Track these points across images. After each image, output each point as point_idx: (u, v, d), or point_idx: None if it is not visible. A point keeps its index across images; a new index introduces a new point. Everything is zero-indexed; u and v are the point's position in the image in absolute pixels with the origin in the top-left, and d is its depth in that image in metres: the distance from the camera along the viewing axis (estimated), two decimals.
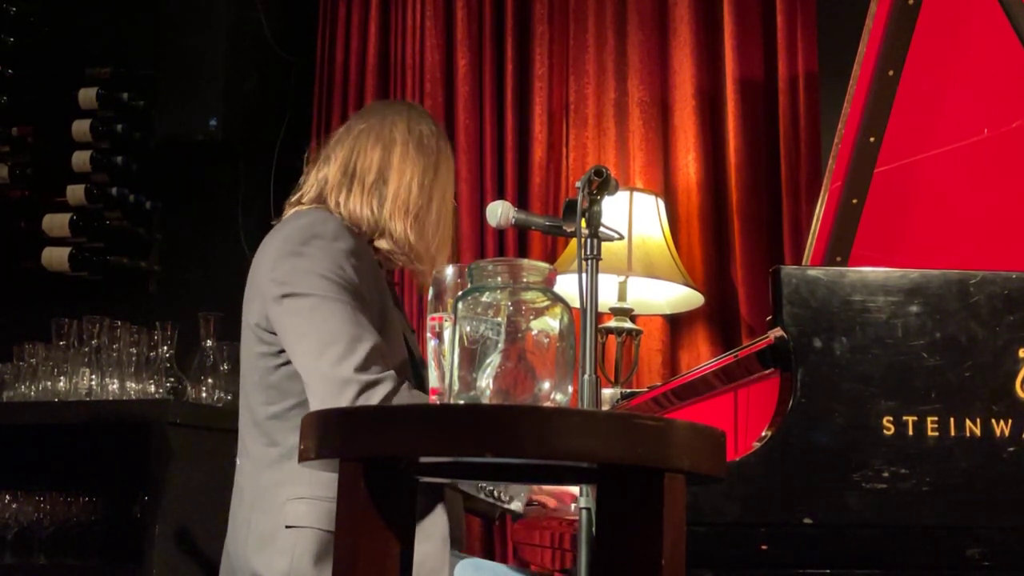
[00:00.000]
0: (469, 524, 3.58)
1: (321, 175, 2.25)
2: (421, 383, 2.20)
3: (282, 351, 2.10)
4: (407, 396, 2.04)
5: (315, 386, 2.02)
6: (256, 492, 2.11)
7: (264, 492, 2.09)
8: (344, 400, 1.97)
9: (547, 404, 1.40)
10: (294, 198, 2.28)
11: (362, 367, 2.00)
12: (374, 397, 1.99)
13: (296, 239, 2.10)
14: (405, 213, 2.20)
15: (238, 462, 2.20)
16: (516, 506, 2.14)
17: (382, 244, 2.22)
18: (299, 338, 2.05)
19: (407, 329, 2.31)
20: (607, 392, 3.08)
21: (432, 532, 2.11)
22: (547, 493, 2.32)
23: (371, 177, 2.21)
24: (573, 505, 2.25)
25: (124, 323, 3.58)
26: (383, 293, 2.17)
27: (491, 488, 2.15)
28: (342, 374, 1.98)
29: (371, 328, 2.06)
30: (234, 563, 2.13)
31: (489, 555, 3.53)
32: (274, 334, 2.10)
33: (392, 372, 2.03)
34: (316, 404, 2.00)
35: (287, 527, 2.05)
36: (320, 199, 2.23)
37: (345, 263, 2.07)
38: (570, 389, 1.44)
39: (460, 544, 2.27)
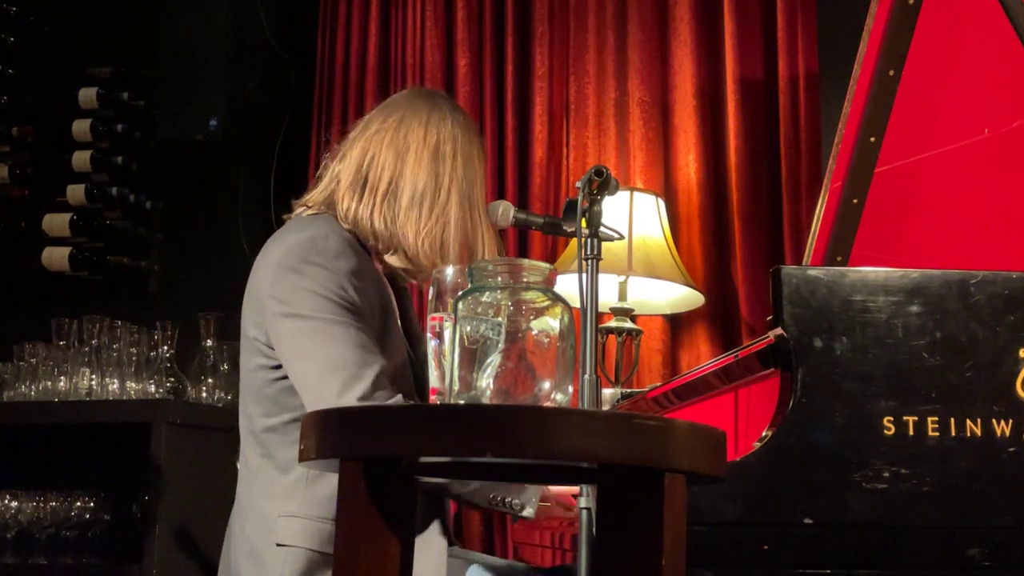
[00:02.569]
0: (469, 523, 3.58)
1: (335, 173, 2.16)
2: (423, 387, 2.17)
3: (280, 366, 2.05)
4: None
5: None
6: (251, 503, 2.08)
7: (257, 504, 2.07)
8: None
9: (547, 404, 1.40)
10: (305, 196, 2.21)
11: (368, 395, 1.95)
12: None
13: (297, 254, 2.03)
14: (417, 229, 2.10)
15: (239, 468, 2.19)
16: (528, 512, 2.10)
17: (393, 260, 2.13)
18: (302, 363, 2.00)
19: (416, 329, 2.27)
20: (607, 392, 3.08)
21: (429, 541, 2.10)
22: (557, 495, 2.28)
23: (383, 186, 2.11)
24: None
25: (124, 323, 3.58)
26: (386, 306, 2.12)
27: (502, 497, 2.10)
28: (348, 404, 1.93)
29: (375, 350, 2.00)
30: (231, 569, 2.12)
31: (489, 553, 3.53)
32: (273, 348, 2.06)
33: (399, 398, 1.99)
34: None
35: (277, 545, 2.02)
36: (330, 202, 2.15)
37: (347, 283, 2.01)
38: (570, 389, 1.44)
39: (451, 540, 2.26)
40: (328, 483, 1.99)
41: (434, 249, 2.11)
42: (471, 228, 2.15)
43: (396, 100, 2.23)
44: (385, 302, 2.13)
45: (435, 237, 2.11)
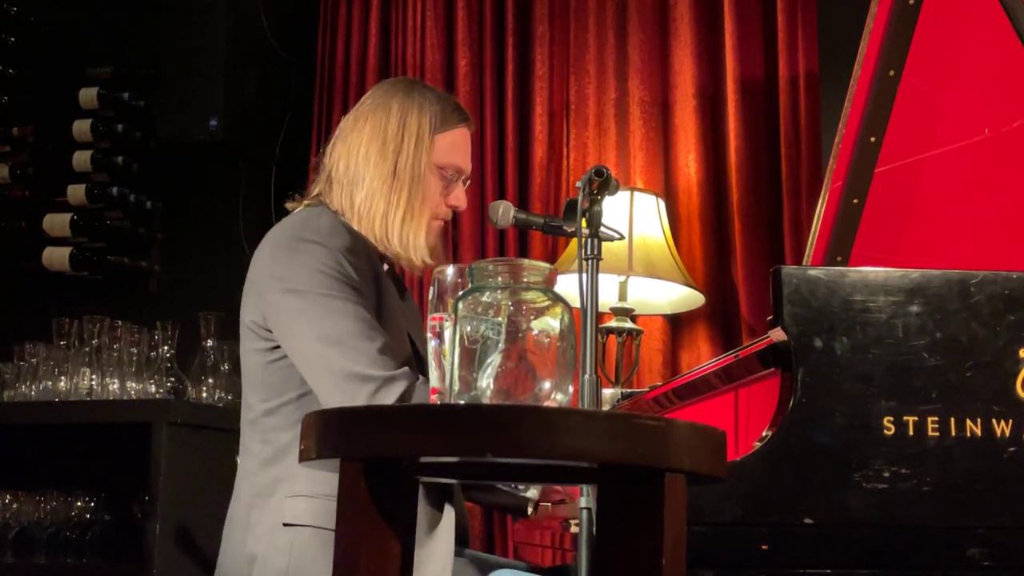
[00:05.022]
0: (470, 523, 3.58)
1: (319, 186, 2.25)
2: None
3: (276, 347, 2.08)
4: (424, 393, 1.99)
5: (327, 384, 1.99)
6: (254, 490, 2.10)
7: (262, 490, 2.09)
8: (360, 398, 1.94)
9: (548, 404, 1.40)
10: (296, 200, 2.28)
11: (377, 363, 1.97)
12: (391, 394, 1.96)
13: (290, 234, 2.10)
14: (379, 216, 2.16)
15: (238, 460, 2.20)
16: (532, 493, 2.14)
17: (391, 250, 2.19)
18: (303, 337, 2.02)
19: (416, 325, 2.28)
20: (607, 392, 3.08)
21: (435, 543, 2.11)
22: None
23: (346, 186, 2.19)
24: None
25: (124, 323, 3.58)
26: (381, 289, 2.14)
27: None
28: (358, 370, 1.96)
29: (375, 324, 2.04)
30: (231, 560, 2.13)
31: (489, 553, 3.53)
32: (269, 331, 2.09)
33: (406, 369, 2.01)
34: (330, 403, 1.97)
35: (285, 525, 2.04)
36: (319, 202, 2.23)
37: (341, 258, 2.05)
38: (571, 389, 1.44)
39: (467, 537, 2.27)
40: None
41: (387, 233, 2.16)
42: (415, 209, 2.19)
43: (358, 106, 2.30)
44: (381, 288, 2.15)
45: (387, 222, 2.16)
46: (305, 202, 2.26)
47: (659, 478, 1.30)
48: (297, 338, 2.04)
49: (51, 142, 4.29)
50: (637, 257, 3.24)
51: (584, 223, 1.75)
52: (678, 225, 3.60)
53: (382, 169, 2.18)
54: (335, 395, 1.97)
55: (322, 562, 2.01)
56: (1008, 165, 2.39)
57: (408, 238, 2.17)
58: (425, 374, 2.18)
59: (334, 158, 2.23)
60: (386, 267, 2.24)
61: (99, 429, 3.51)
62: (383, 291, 2.16)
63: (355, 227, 2.17)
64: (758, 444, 1.83)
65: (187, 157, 4.18)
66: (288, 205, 2.28)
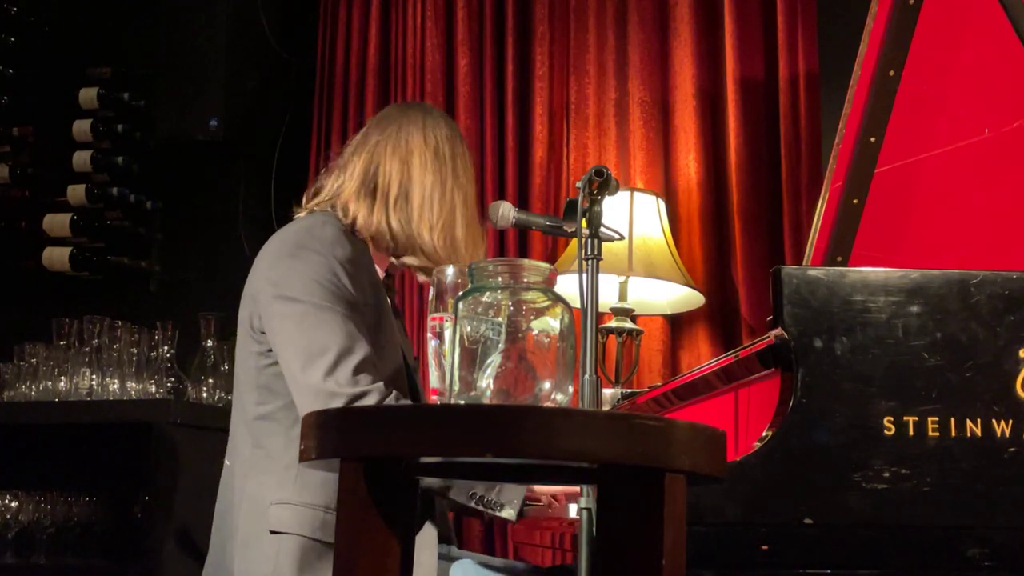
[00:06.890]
0: (469, 524, 3.58)
1: (337, 184, 2.24)
2: (416, 391, 2.20)
3: (272, 350, 2.09)
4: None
5: (302, 397, 2.01)
6: (242, 494, 2.10)
7: (249, 495, 2.08)
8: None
9: (548, 404, 1.40)
10: (305, 204, 2.27)
11: (349, 380, 1.98)
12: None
13: (293, 241, 2.10)
14: (431, 226, 2.19)
15: (227, 463, 2.20)
16: (508, 514, 2.11)
17: (411, 260, 2.20)
18: (288, 345, 2.04)
19: (402, 336, 2.29)
20: (607, 392, 3.08)
21: (422, 543, 2.11)
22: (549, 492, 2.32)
23: (393, 191, 2.19)
24: (573, 506, 2.25)
25: (124, 323, 3.58)
26: (379, 301, 2.15)
27: (482, 495, 2.12)
28: (328, 387, 1.97)
29: (361, 338, 2.04)
30: (216, 566, 2.13)
31: (489, 554, 3.53)
32: (264, 333, 2.09)
33: (380, 384, 2.02)
34: (304, 412, 1.99)
35: (271, 532, 2.04)
36: (332, 207, 2.22)
37: (340, 270, 2.06)
38: (571, 389, 1.44)
39: (450, 539, 2.27)
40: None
41: (447, 243, 2.19)
42: (473, 221, 2.26)
43: (389, 112, 2.33)
44: (379, 300, 2.16)
45: (450, 231, 2.20)
46: (309, 207, 2.25)
47: (659, 478, 1.30)
48: (282, 345, 2.05)
49: (51, 142, 4.29)
50: (637, 257, 3.24)
51: (584, 223, 1.75)
52: (678, 225, 3.60)
53: (441, 182, 2.22)
54: (308, 407, 1.98)
55: (306, 571, 2.01)
56: (1008, 165, 2.39)
57: (467, 246, 2.24)
58: (414, 386, 2.20)
59: (365, 166, 2.22)
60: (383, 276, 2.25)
61: (99, 429, 3.51)
62: (382, 303, 2.17)
63: (393, 232, 2.18)
64: (758, 444, 1.83)
65: (187, 157, 4.18)
66: (295, 211, 2.28)
